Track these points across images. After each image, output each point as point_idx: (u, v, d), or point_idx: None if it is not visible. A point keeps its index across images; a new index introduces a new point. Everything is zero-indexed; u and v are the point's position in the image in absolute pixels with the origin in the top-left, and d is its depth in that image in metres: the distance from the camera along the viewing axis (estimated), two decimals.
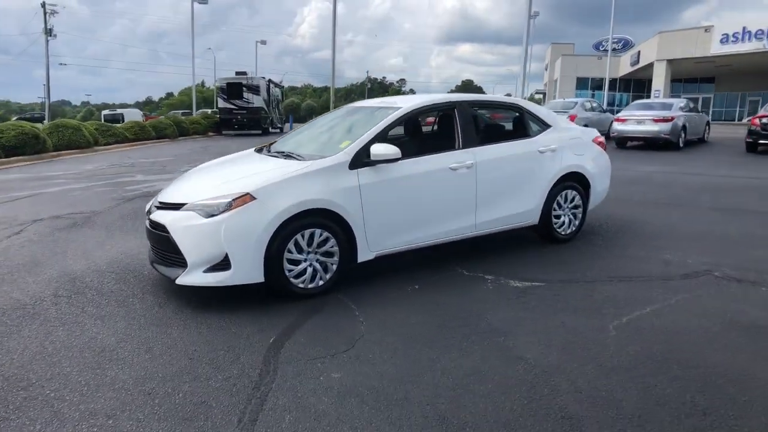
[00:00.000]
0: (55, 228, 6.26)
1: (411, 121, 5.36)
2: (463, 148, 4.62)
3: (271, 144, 5.08)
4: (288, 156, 4.39)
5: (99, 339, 3.32)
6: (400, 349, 3.16)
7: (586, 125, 18.77)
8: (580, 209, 5.46)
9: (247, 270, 3.69)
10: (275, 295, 3.88)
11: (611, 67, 40.81)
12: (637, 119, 16.63)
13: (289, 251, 3.80)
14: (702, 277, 4.39)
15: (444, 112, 5.14)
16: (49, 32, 35.83)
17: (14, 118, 49.95)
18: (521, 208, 4.98)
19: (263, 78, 32.44)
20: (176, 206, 3.87)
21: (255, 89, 30.41)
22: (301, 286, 3.90)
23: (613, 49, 49.60)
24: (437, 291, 4.10)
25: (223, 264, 3.68)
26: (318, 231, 3.88)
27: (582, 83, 52.83)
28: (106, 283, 4.32)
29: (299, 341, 3.27)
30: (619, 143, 17.49)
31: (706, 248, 5.22)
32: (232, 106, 29.37)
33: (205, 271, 3.70)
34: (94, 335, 3.38)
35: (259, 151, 4.88)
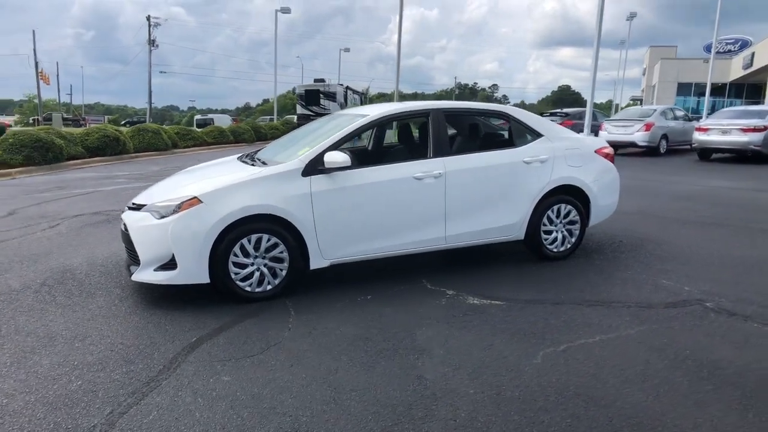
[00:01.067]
0: (87, 223, 6.83)
1: (382, 129, 5.30)
2: (435, 157, 4.49)
3: (258, 150, 5.22)
4: (261, 163, 4.49)
5: (49, 326, 3.59)
6: (307, 358, 3.13)
7: (665, 135, 17.54)
8: (577, 225, 5.09)
9: (192, 271, 3.82)
10: (226, 297, 3.99)
11: (721, 72, 37.46)
12: (722, 128, 15.13)
13: (235, 255, 3.89)
14: (689, 306, 3.93)
15: (418, 120, 5.02)
16: (152, 43, 39.19)
17: (122, 122, 55.30)
18: (502, 221, 4.73)
19: (341, 85, 33.37)
20: (138, 207, 4.10)
21: (332, 96, 31.34)
22: (248, 289, 3.97)
23: (728, 51, 45.53)
24: (387, 303, 4.01)
25: (171, 264, 3.84)
26: (265, 236, 3.94)
27: (684, 89, 49.06)
28: (91, 276, 4.66)
29: (218, 343, 3.34)
30: (701, 155, 16.04)
31: (719, 275, 4.66)
32: (309, 113, 30.43)
33: (155, 270, 3.89)
34: (48, 322, 3.66)
35: (244, 157, 5.01)
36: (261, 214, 3.90)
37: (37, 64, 41.22)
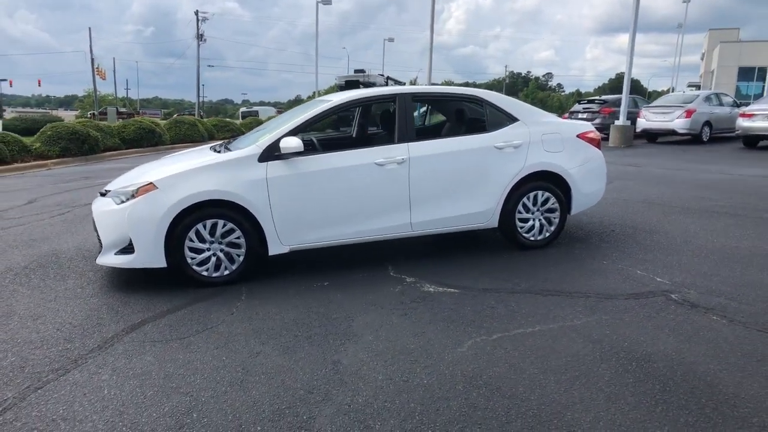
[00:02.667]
0: None
1: (346, 114, 5.25)
2: (399, 142, 4.42)
3: (235, 138, 5.29)
4: (227, 150, 4.55)
5: (12, 306, 3.79)
6: (235, 342, 3.17)
7: (707, 122, 16.56)
8: (556, 213, 4.90)
9: (149, 255, 3.93)
10: (187, 281, 4.09)
11: None
12: (767, 114, 14.18)
13: (191, 240, 3.97)
14: (652, 298, 3.72)
15: (384, 105, 4.94)
16: (200, 37, 40.39)
17: (175, 115, 57.23)
18: (472, 209, 4.61)
19: (381, 75, 33.21)
20: (104, 193, 4.25)
21: (371, 86, 31.31)
22: (204, 274, 4.06)
23: None
24: (341, 290, 4.00)
25: (129, 248, 3.97)
26: (221, 222, 4.01)
27: (746, 74, 46.13)
28: (73, 261, 4.88)
29: (159, 324, 3.44)
30: (746, 142, 15.09)
31: (699, 266, 4.38)
32: None
33: (115, 254, 4.03)
34: (13, 303, 3.86)
35: (218, 145, 5.09)
36: (216, 200, 3.97)
37: (93, 60, 43.26)
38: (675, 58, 59.52)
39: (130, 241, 3.94)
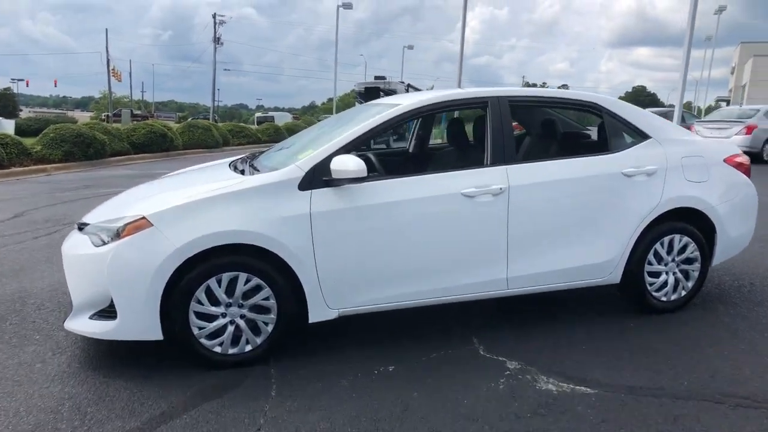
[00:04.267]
0: None
1: (421, 124, 4.02)
2: (493, 164, 3.14)
3: (264, 152, 4.04)
4: (254, 170, 3.29)
5: None
6: None
7: None
8: (697, 264, 3.58)
9: (137, 322, 2.68)
10: (188, 358, 2.83)
11: None
12: None
13: (199, 301, 2.71)
14: None
15: (471, 111, 3.68)
16: (217, 40, 39.49)
17: (189, 119, 56.50)
18: (590, 259, 3.32)
19: (402, 82, 32.04)
20: (81, 227, 3.01)
21: (392, 93, 30.17)
22: (217, 350, 2.79)
23: None
24: (416, 382, 2.71)
25: (110, 310, 2.72)
26: (243, 276, 2.75)
27: None
28: (42, 310, 3.64)
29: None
30: None
31: None
32: None
33: (91, 317, 2.78)
34: None
35: (240, 161, 3.82)
36: (236, 244, 2.71)
37: (108, 61, 42.57)
38: (699, 72, 57.76)
39: (112, 300, 2.69)
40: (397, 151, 4.86)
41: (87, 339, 3.14)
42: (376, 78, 32.73)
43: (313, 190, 2.83)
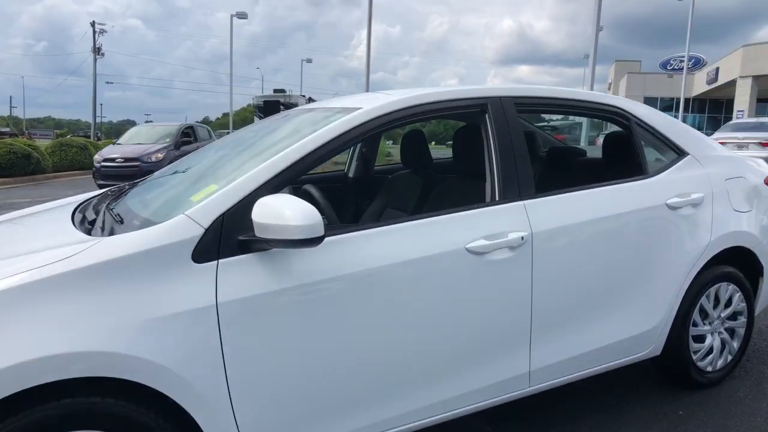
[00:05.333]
0: None
1: (373, 139, 2.89)
2: (504, 200, 2.05)
3: (133, 184, 2.62)
4: (115, 221, 1.91)
5: None
6: None
7: None
8: (743, 319, 2.74)
9: None
10: None
11: (685, 87, 36.69)
12: (737, 142, 13.28)
13: None
14: None
15: (462, 117, 2.62)
16: (98, 51, 35.70)
17: (68, 136, 50.95)
18: (630, 328, 2.33)
19: (303, 96, 30.87)
20: None
21: (293, 107, 28.85)
22: None
23: (681, 69, 45.15)
24: None
25: None
26: None
27: (650, 104, 48.47)
28: None
29: None
30: None
31: None
32: None
33: None
34: None
35: (96, 201, 2.40)
36: (80, 379, 1.38)
37: None
38: (582, 86, 62.33)
39: None
40: (329, 176, 3.65)
41: None
42: (276, 91, 31.25)
43: (220, 261, 1.56)
